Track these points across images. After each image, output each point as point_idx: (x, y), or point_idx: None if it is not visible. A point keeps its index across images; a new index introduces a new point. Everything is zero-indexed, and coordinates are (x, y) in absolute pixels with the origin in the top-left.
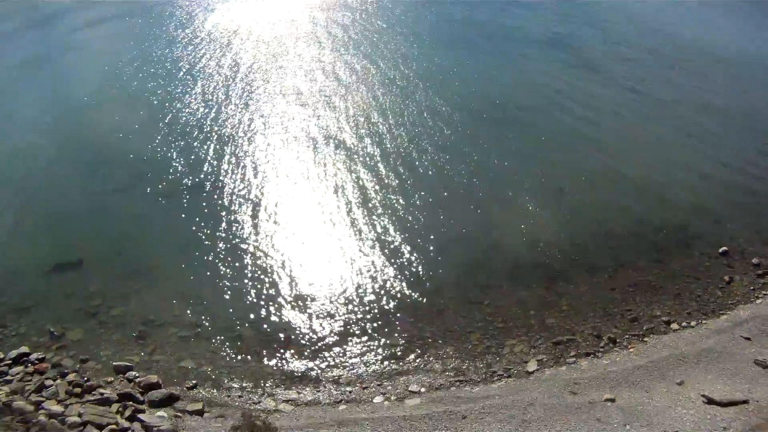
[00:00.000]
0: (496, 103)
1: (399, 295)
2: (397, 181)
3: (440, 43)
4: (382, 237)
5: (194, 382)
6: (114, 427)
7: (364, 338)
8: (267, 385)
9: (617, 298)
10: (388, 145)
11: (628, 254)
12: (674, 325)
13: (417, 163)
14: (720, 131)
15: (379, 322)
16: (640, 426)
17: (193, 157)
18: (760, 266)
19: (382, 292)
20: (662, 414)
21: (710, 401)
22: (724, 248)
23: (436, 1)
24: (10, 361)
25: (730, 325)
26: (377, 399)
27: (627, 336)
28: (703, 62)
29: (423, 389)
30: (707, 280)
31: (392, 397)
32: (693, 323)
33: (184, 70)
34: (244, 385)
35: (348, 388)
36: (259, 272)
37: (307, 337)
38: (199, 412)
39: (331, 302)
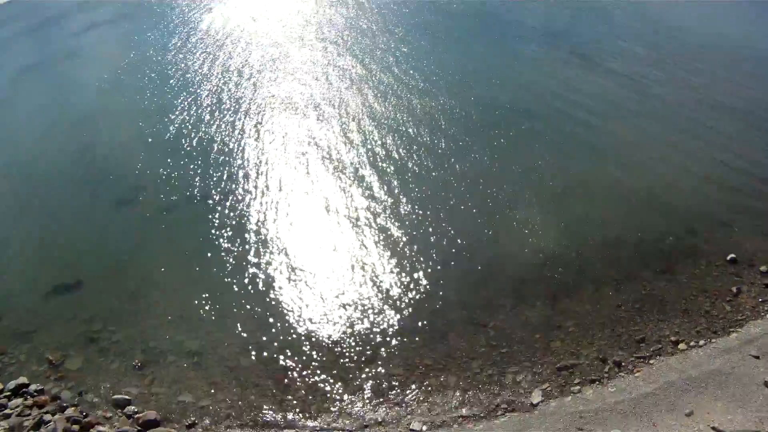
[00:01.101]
0: (493, 106)
1: (399, 318)
2: (391, 192)
3: (434, 39)
4: (381, 252)
5: (193, 419)
6: None
7: (365, 368)
8: (264, 423)
9: (623, 316)
10: (382, 154)
11: (633, 265)
12: (682, 345)
13: (411, 172)
14: (726, 131)
15: (380, 349)
16: None
17: (193, 169)
18: None
19: (383, 314)
20: None
21: None
22: (732, 255)
23: None
24: (9, 393)
25: (739, 344)
26: None
27: (633, 359)
28: (710, 58)
29: (425, 428)
30: (715, 293)
31: None
32: (701, 342)
33: (182, 77)
34: (241, 422)
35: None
36: (259, 293)
37: (305, 365)
38: None
39: (331, 328)
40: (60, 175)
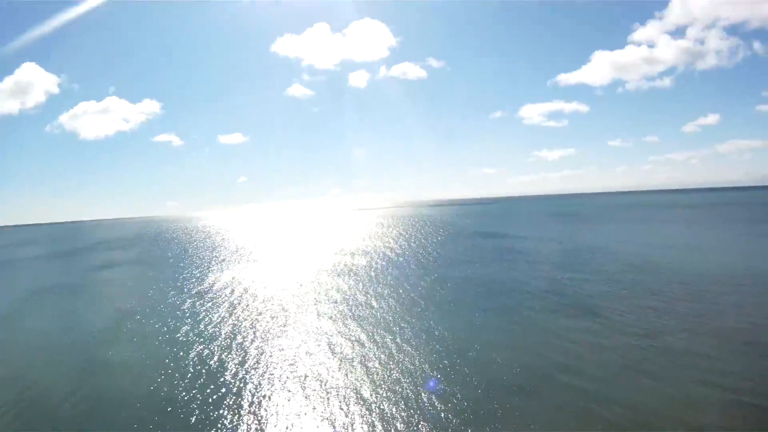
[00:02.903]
0: (491, 384)
1: None
2: None
3: (437, 311)
4: None
5: None
6: None
7: None
8: None
9: None
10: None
11: None
12: None
13: None
14: (744, 372)
15: None
16: None
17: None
18: None
19: None
20: None
21: None
22: None
23: (432, 264)
24: None
25: None
26: None
27: None
28: (715, 294)
29: None
30: None
31: None
32: None
33: (184, 333)
34: None
35: None
36: None
37: None
38: None
39: None
40: (61, 400)
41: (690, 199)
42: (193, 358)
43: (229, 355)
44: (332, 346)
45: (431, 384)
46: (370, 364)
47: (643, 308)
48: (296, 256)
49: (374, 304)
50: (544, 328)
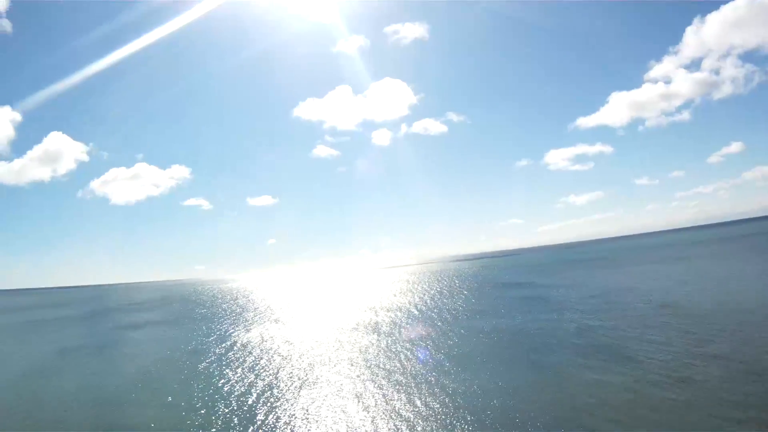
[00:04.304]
0: None
1: None
2: None
3: (462, 362)
4: None
5: None
6: None
7: None
8: None
9: None
10: None
11: None
12: None
13: None
14: None
15: None
16: None
17: None
18: None
19: None
20: None
21: None
22: None
23: (458, 318)
24: None
25: None
26: None
27: None
28: (739, 327)
29: None
30: None
31: None
32: None
33: (206, 390)
34: None
35: None
36: None
37: None
38: None
39: None
40: None
41: (720, 233)
42: (208, 420)
43: (246, 417)
44: (354, 403)
45: None
46: (391, 421)
47: (675, 352)
48: (322, 315)
49: (398, 359)
50: (574, 380)
